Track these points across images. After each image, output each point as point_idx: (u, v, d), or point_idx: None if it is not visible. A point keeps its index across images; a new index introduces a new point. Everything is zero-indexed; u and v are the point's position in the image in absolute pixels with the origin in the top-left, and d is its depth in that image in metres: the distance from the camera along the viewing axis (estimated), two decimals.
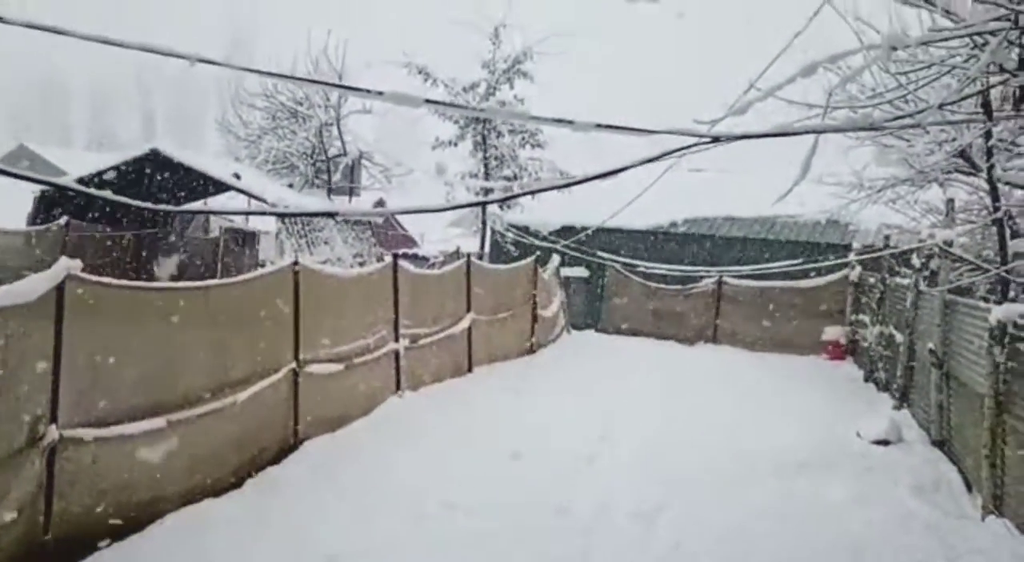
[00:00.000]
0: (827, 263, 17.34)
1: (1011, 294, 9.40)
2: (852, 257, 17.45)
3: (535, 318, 17.56)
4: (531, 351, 17.26)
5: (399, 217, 46.97)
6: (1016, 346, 6.82)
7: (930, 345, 10.12)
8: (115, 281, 6.64)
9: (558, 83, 25.13)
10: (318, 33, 24.95)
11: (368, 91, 3.54)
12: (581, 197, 19.34)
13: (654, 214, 23.24)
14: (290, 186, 25.52)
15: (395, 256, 12.04)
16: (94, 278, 6.20)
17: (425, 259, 27.61)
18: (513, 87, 24.42)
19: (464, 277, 14.34)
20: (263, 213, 9.70)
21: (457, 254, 19.57)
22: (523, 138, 24.72)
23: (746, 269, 18.25)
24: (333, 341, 9.80)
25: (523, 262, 17.91)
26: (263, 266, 20.16)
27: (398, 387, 11.58)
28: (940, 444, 9.80)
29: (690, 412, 11.81)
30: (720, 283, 20.69)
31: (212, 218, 26.91)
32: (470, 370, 14.27)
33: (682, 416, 11.52)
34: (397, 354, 11.56)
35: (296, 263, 9.02)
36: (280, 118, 26.30)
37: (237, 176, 21.60)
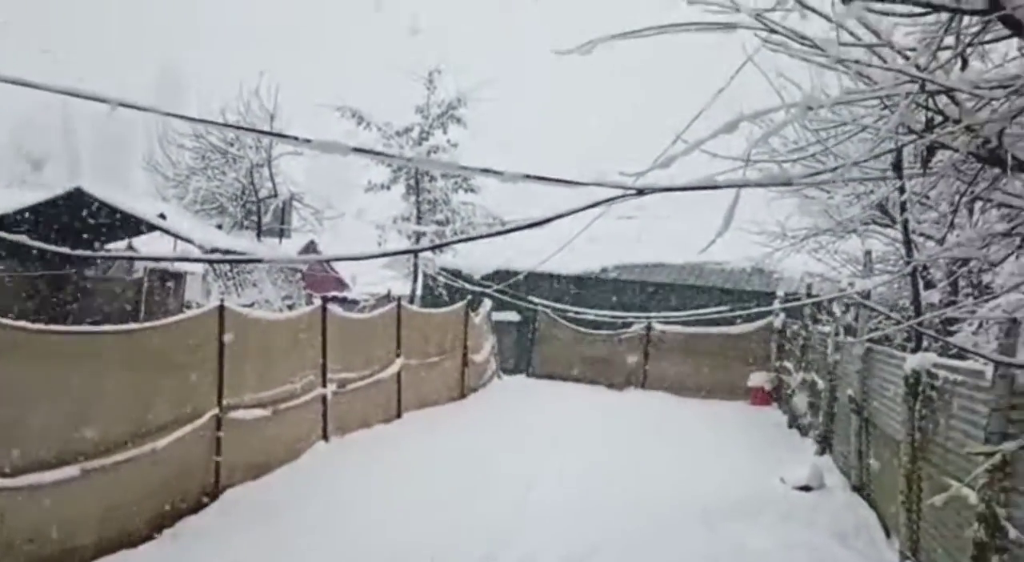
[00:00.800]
0: (753, 310, 17.69)
1: (924, 343, 9.69)
2: (776, 305, 17.83)
3: (466, 363, 17.50)
4: (462, 396, 17.17)
5: None
6: (929, 394, 7.04)
7: (849, 392, 10.38)
8: (29, 325, 6.44)
9: (492, 130, 25.39)
10: (250, 73, 24.69)
11: (296, 138, 3.53)
12: (514, 242, 19.41)
13: (586, 260, 23.48)
14: (219, 227, 25.06)
15: (324, 300, 11.94)
16: (6, 322, 6.00)
17: (355, 302, 27.32)
18: (447, 132, 24.57)
19: (395, 321, 14.25)
20: (187, 260, 9.52)
21: (388, 298, 19.44)
22: (456, 183, 24.82)
23: (675, 315, 18.49)
24: (259, 386, 9.62)
25: (455, 306, 17.88)
26: (189, 308, 19.76)
27: (325, 433, 11.39)
28: (860, 490, 10.00)
29: (619, 458, 11.84)
30: (649, 329, 20.96)
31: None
32: (399, 415, 14.13)
33: (611, 462, 11.55)
34: (325, 399, 11.39)
35: (222, 306, 8.86)
36: (210, 158, 25.83)
37: (162, 216, 21.17)
